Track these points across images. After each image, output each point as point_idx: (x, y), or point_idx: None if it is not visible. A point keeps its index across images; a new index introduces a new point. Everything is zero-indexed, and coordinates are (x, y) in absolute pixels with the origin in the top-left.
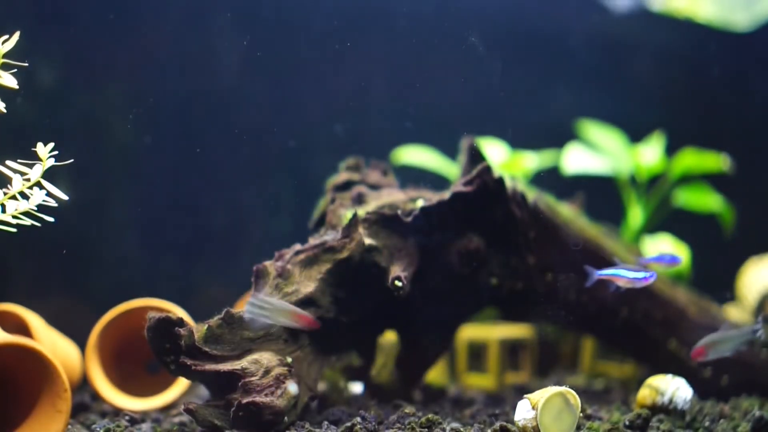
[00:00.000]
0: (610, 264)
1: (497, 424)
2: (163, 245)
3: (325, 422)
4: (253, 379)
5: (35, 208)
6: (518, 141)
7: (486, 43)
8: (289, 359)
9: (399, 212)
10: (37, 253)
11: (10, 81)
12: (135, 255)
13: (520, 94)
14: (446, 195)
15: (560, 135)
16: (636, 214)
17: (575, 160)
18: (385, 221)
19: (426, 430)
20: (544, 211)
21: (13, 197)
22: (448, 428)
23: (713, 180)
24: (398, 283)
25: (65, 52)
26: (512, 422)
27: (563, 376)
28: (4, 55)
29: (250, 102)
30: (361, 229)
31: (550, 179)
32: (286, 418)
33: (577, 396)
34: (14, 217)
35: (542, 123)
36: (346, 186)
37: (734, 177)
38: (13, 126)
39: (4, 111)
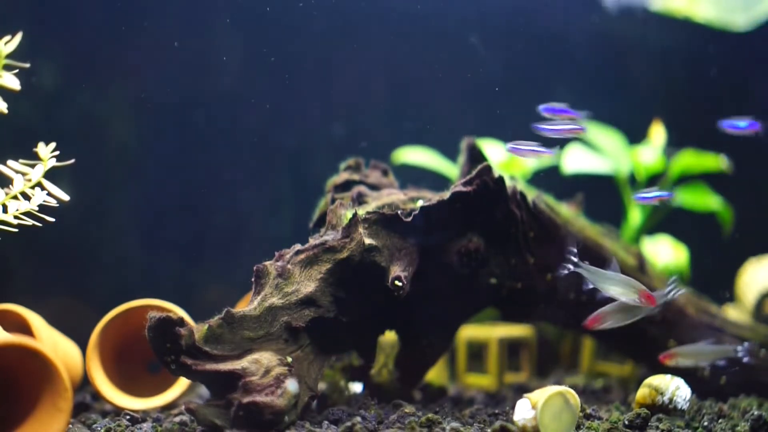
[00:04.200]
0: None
1: (497, 424)
2: (163, 246)
3: (325, 422)
4: (253, 378)
5: (36, 209)
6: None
7: (486, 43)
8: (289, 359)
9: (399, 212)
10: (39, 253)
11: (12, 82)
12: (135, 255)
13: (520, 95)
14: (446, 195)
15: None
16: (635, 214)
17: (575, 159)
18: (385, 221)
19: (426, 429)
20: (544, 210)
21: (15, 197)
22: (447, 428)
23: (712, 180)
24: (398, 283)
25: (66, 52)
26: (512, 422)
27: (563, 376)
28: (7, 56)
29: (250, 102)
30: (361, 229)
31: (549, 179)
32: (286, 417)
33: (576, 395)
34: (15, 217)
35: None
36: (346, 186)
37: (733, 177)
38: (14, 126)
39: (6, 111)
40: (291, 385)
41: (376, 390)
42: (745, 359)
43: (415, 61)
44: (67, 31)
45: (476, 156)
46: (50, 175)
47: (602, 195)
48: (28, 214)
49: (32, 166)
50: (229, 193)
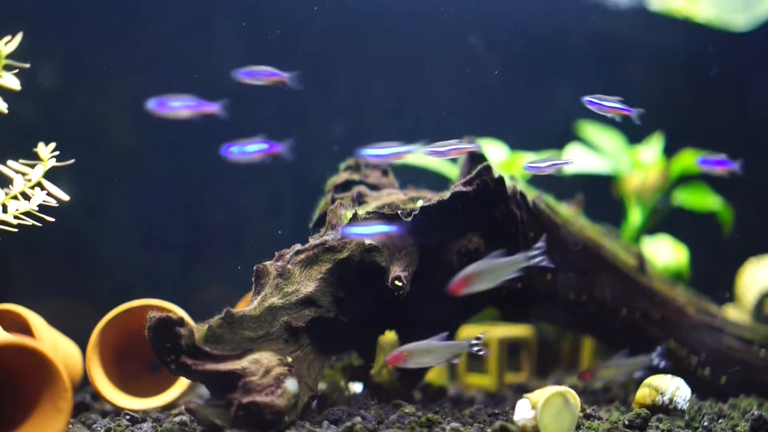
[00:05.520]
0: (610, 264)
1: (497, 424)
2: (163, 245)
3: (325, 422)
4: (253, 378)
5: (36, 208)
6: (518, 142)
7: (486, 43)
8: (289, 359)
9: (399, 212)
10: (38, 252)
11: (12, 82)
12: (135, 255)
13: (520, 95)
14: (446, 195)
15: (560, 135)
16: (635, 214)
17: (575, 159)
18: (385, 221)
19: (426, 429)
20: (544, 210)
21: (15, 197)
22: (447, 428)
23: (712, 180)
24: (398, 283)
25: (67, 52)
26: (512, 422)
27: (563, 376)
28: (7, 56)
29: (250, 102)
30: None
31: (549, 179)
32: (286, 417)
33: (576, 395)
34: (15, 217)
35: (542, 124)
36: (346, 186)
37: (733, 177)
38: (14, 126)
39: (6, 111)
40: (291, 385)
41: (376, 390)
42: (661, 364)
43: (415, 60)
44: (67, 31)
45: (476, 156)
46: (50, 175)
47: (602, 195)
48: (28, 214)
49: (32, 166)
50: (230, 193)
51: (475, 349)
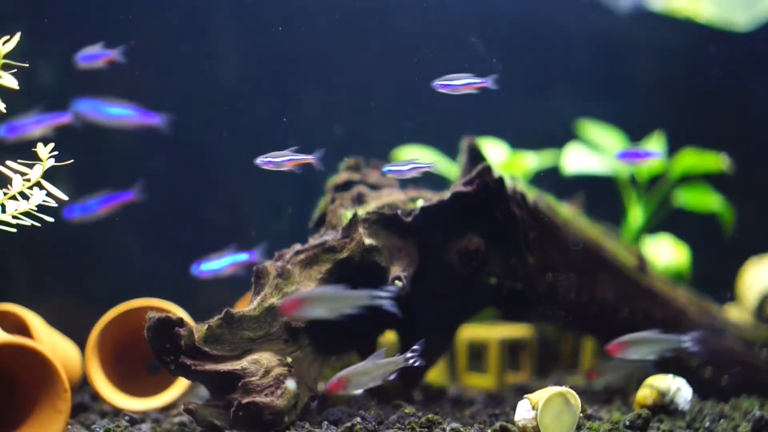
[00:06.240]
0: (610, 264)
1: (497, 424)
2: (162, 245)
3: (325, 422)
4: (253, 379)
5: (35, 209)
6: (518, 141)
7: (486, 42)
8: (289, 359)
9: (399, 212)
10: (37, 253)
11: (10, 82)
12: (135, 255)
13: (521, 95)
14: (446, 195)
15: (560, 135)
16: (636, 214)
17: (575, 160)
18: (385, 221)
19: (426, 430)
20: (544, 211)
21: (13, 197)
22: (448, 428)
23: (713, 180)
24: (398, 283)
25: (65, 50)
26: (512, 422)
27: (563, 376)
28: (5, 56)
29: (250, 101)
30: (361, 229)
31: (550, 179)
32: (286, 417)
33: (577, 396)
34: (14, 217)
35: (542, 123)
36: (346, 186)
37: (734, 177)
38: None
39: (4, 111)
40: (291, 385)
41: (376, 390)
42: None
43: (415, 60)
44: (67, 30)
45: (476, 156)
46: (49, 174)
47: (602, 195)
48: (27, 214)
49: (31, 166)
50: (230, 192)
51: (411, 361)
